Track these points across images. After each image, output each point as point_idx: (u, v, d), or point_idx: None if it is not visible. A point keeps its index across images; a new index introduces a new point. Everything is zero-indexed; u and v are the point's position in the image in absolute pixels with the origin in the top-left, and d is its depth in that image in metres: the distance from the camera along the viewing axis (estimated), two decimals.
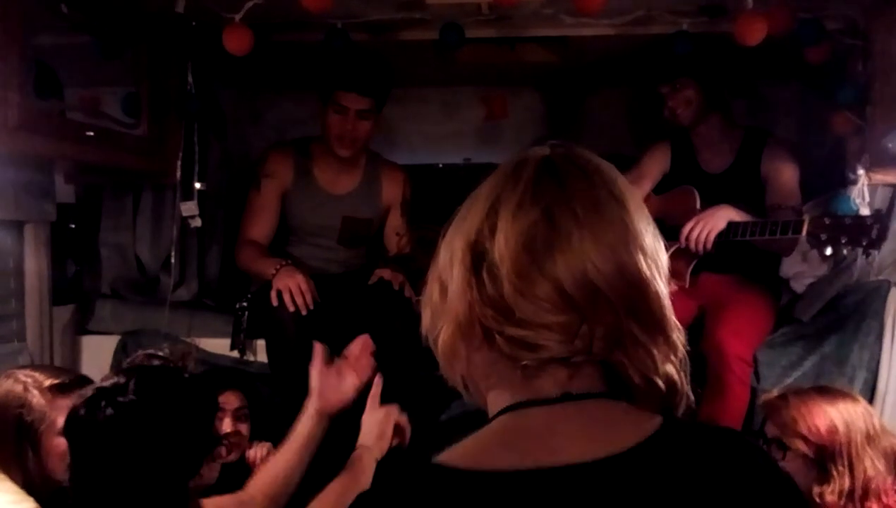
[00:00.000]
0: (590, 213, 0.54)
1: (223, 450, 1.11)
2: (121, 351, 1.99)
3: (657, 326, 0.55)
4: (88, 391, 0.93)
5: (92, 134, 1.47)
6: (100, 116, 1.67)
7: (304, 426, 1.23)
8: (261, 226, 1.96)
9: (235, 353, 1.94)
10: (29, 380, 1.17)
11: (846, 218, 1.44)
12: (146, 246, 2.07)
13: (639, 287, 0.54)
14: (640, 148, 2.44)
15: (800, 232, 1.48)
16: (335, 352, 1.83)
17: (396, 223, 2.07)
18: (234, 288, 2.17)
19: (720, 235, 1.66)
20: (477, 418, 1.80)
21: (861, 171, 1.53)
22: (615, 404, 0.54)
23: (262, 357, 1.94)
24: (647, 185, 1.95)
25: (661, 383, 0.55)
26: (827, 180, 1.88)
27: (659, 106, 1.91)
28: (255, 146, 2.52)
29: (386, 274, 1.85)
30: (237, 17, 1.43)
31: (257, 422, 1.65)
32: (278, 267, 1.76)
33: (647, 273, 0.54)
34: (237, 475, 1.45)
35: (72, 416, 0.92)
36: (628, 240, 0.54)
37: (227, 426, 1.55)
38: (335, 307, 1.81)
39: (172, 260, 1.99)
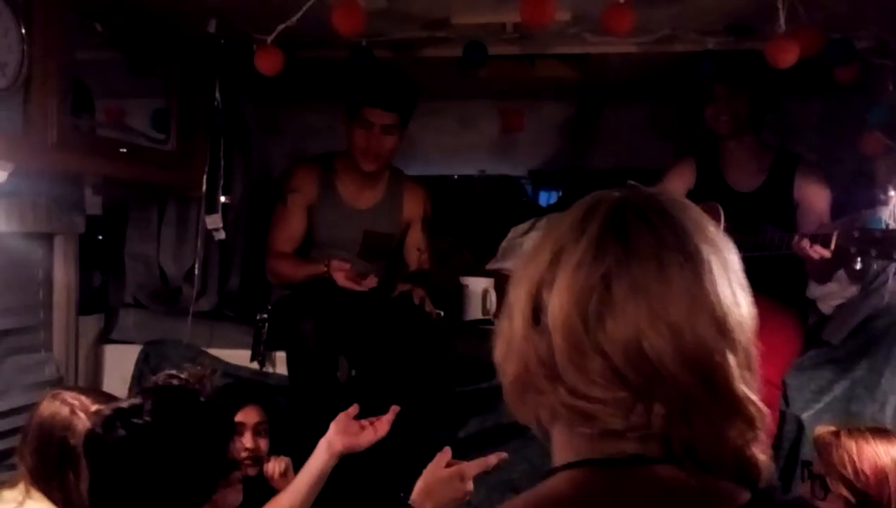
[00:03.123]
0: (652, 281, 0.49)
1: (239, 474, 1.11)
2: (143, 360, 2.02)
3: (727, 403, 0.50)
4: (107, 410, 0.95)
5: (125, 150, 1.50)
6: (129, 132, 1.70)
7: (317, 461, 1.26)
8: (289, 239, 1.99)
9: (255, 364, 1.96)
10: (76, 403, 1.19)
11: (876, 230, 1.43)
12: (170, 257, 2.09)
13: (704, 365, 0.49)
14: (656, 162, 2.46)
15: (828, 245, 1.46)
16: (355, 364, 1.87)
17: (417, 238, 2.09)
18: (253, 299, 2.19)
19: (748, 247, 1.63)
20: (494, 435, 1.78)
21: (892, 192, 1.52)
22: (690, 472, 0.50)
23: (280, 369, 1.96)
24: None
25: (734, 460, 0.50)
26: (851, 199, 1.88)
27: (688, 118, 1.89)
28: (273, 157, 2.55)
29: (407, 288, 1.86)
30: (269, 38, 1.46)
31: (275, 435, 1.66)
32: (327, 263, 1.82)
33: (716, 347, 0.49)
34: (255, 489, 1.47)
35: (88, 435, 0.94)
36: (695, 312, 0.49)
37: (247, 441, 1.56)
38: (355, 321, 1.83)
39: (196, 272, 2.01)
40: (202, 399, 0.95)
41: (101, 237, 1.96)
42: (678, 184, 1.94)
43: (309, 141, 2.56)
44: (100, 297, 2.06)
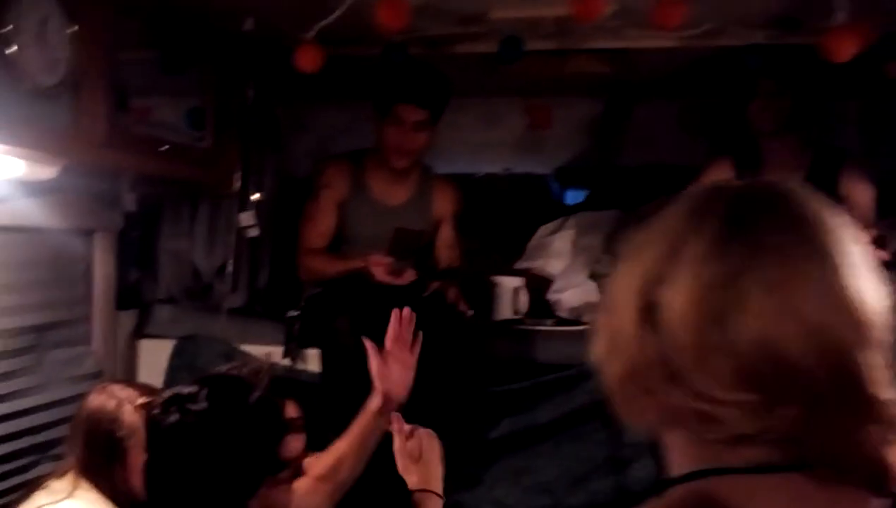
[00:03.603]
0: (784, 277, 0.47)
1: (288, 474, 1.10)
2: (177, 355, 2.04)
3: (864, 404, 0.47)
4: (167, 394, 0.96)
5: (167, 148, 1.52)
6: (170, 129, 1.71)
7: (365, 420, 1.23)
8: (321, 235, 1.99)
9: (287, 361, 1.97)
10: (123, 395, 1.21)
11: None
12: (202, 253, 2.12)
13: (841, 364, 0.47)
14: (687, 160, 2.42)
15: (884, 246, 1.42)
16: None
17: (447, 236, 2.08)
18: (282, 296, 2.21)
19: None
20: (526, 437, 1.75)
21: None
22: (825, 479, 0.47)
23: (312, 366, 1.97)
24: None
25: (870, 465, 0.48)
26: (892, 198, 1.84)
27: (726, 115, 1.85)
28: (298, 155, 2.55)
29: (439, 286, 1.86)
30: (309, 35, 1.46)
31: (308, 433, 1.67)
32: (365, 258, 1.81)
33: (854, 346, 0.47)
34: None
35: (148, 418, 0.96)
36: (833, 309, 0.47)
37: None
38: (389, 319, 1.83)
39: (229, 269, 2.03)
40: (257, 393, 0.96)
41: (138, 233, 1.99)
42: None
43: (332, 139, 2.56)
44: (135, 293, 2.08)
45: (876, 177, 1.86)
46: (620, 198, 2.55)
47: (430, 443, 1.13)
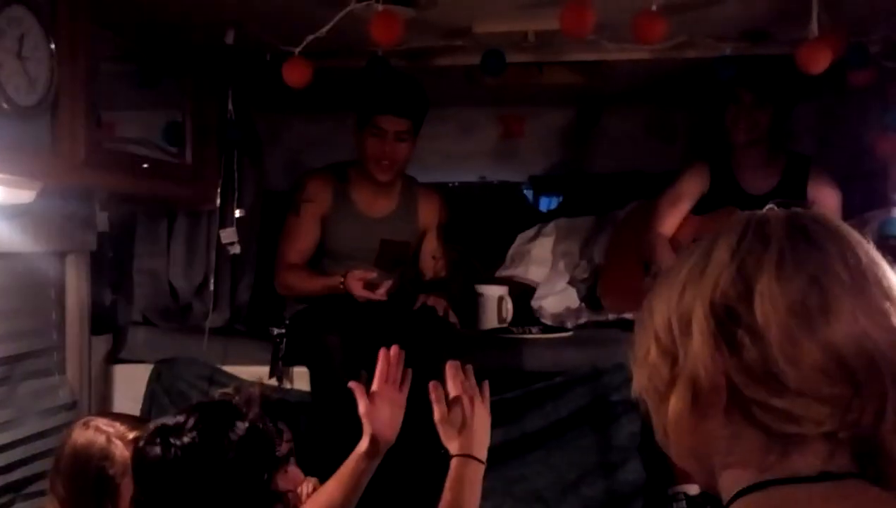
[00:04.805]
0: (855, 278, 0.51)
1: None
2: (155, 379, 1.97)
3: None
4: (152, 426, 0.93)
5: (146, 165, 1.46)
6: (149, 146, 1.65)
7: (355, 463, 1.16)
8: (300, 251, 1.95)
9: (273, 381, 1.92)
10: (111, 430, 1.15)
11: (891, 238, 1.48)
12: (180, 272, 2.04)
13: None
14: (656, 166, 2.49)
15: None
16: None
17: (432, 246, 2.08)
18: (265, 314, 2.15)
19: None
20: (519, 446, 1.74)
21: None
22: (874, 488, 0.50)
23: (299, 385, 1.92)
24: (685, 205, 1.97)
25: None
26: (849, 201, 1.93)
27: (700, 123, 1.90)
28: (271, 167, 2.51)
29: (430, 299, 1.85)
30: (297, 50, 1.44)
31: (298, 454, 1.62)
32: (343, 276, 1.80)
33: None
34: None
35: (134, 451, 0.92)
36: (894, 305, 0.52)
37: None
38: (380, 333, 1.80)
39: (212, 287, 1.97)
40: (247, 423, 0.91)
41: (111, 253, 1.91)
42: (693, 187, 1.96)
43: (306, 151, 2.53)
44: (109, 316, 2.00)
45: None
46: (593, 204, 2.60)
47: (475, 410, 1.10)
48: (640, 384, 0.57)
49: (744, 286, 0.52)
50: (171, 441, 0.89)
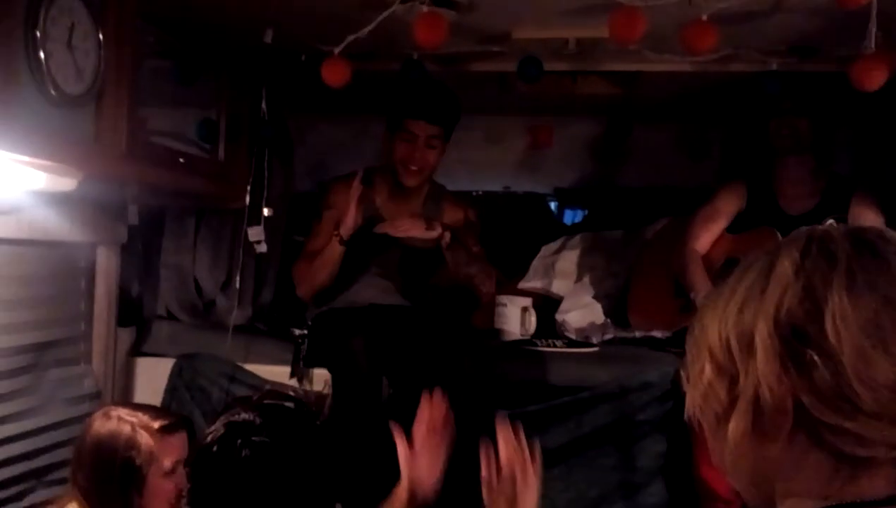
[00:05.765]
0: None
1: None
2: (177, 374, 1.97)
3: None
4: (220, 427, 0.91)
5: (182, 160, 1.47)
6: (185, 141, 1.66)
7: None
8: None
9: (294, 381, 1.91)
10: (135, 420, 1.15)
11: None
12: (206, 269, 2.05)
13: None
14: (686, 182, 2.45)
15: None
16: (395, 384, 1.80)
17: (467, 243, 2.03)
18: (287, 313, 2.15)
19: None
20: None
21: None
22: None
23: (318, 387, 1.91)
24: (722, 223, 1.92)
25: None
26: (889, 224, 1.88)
27: (739, 139, 1.86)
28: (297, 168, 2.51)
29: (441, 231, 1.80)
30: (336, 50, 1.43)
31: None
32: (336, 230, 1.77)
33: None
34: None
35: (204, 453, 0.90)
36: None
37: None
38: (401, 340, 1.79)
39: (237, 285, 1.97)
40: (319, 422, 0.91)
41: (140, 247, 1.91)
42: (729, 206, 1.92)
43: (331, 153, 2.52)
44: (134, 309, 2.00)
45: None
46: (619, 219, 2.57)
47: (528, 482, 1.01)
48: (695, 403, 0.55)
49: (812, 304, 0.50)
50: (249, 441, 0.86)
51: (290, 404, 0.93)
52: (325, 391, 0.95)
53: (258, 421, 0.88)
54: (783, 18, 1.40)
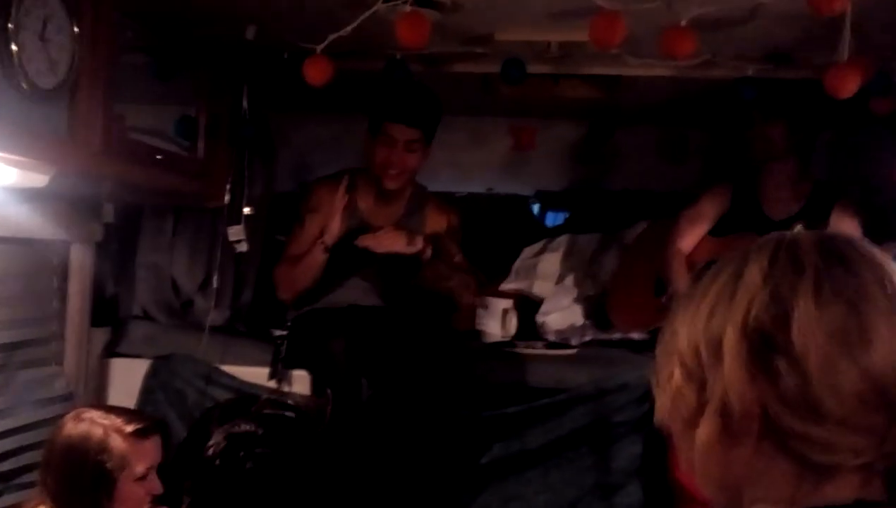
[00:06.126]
0: (893, 304, 0.50)
1: None
2: (151, 375, 1.94)
3: None
4: (221, 440, 0.89)
5: (160, 157, 1.44)
6: (163, 138, 1.63)
7: None
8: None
9: (272, 383, 1.89)
10: (107, 423, 1.12)
11: None
12: (183, 268, 2.02)
13: None
14: (667, 186, 2.48)
15: None
16: (374, 385, 1.80)
17: (448, 250, 2.04)
18: (266, 315, 2.12)
19: None
20: (517, 462, 1.74)
21: None
22: None
23: (297, 388, 1.89)
24: (704, 225, 1.94)
25: None
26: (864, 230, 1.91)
27: (724, 144, 1.88)
28: (279, 167, 2.49)
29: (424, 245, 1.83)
30: (318, 48, 1.42)
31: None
32: (321, 237, 1.79)
33: None
34: None
35: (206, 467, 0.87)
36: None
37: None
38: (383, 342, 1.78)
39: (216, 285, 1.94)
40: (319, 430, 0.90)
41: (116, 245, 1.88)
42: (712, 208, 1.94)
43: (314, 152, 2.50)
44: (109, 309, 1.96)
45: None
46: (600, 222, 2.59)
47: None
48: (664, 409, 0.55)
49: (779, 311, 0.50)
50: (247, 452, 0.86)
51: (290, 413, 0.91)
52: (326, 401, 0.94)
53: (260, 432, 0.87)
54: (760, 25, 1.43)
